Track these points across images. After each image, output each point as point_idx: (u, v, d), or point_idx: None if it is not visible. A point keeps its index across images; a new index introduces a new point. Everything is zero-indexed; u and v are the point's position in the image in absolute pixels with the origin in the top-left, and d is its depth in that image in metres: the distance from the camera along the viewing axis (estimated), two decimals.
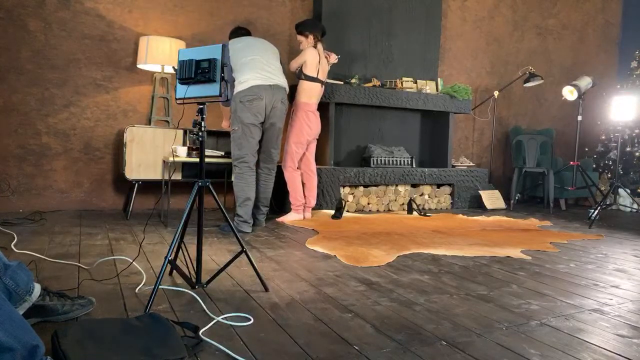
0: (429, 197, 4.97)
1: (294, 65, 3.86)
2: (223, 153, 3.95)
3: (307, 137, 3.82)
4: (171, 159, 3.61)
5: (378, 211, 4.67)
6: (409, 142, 5.28)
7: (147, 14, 4.13)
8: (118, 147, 4.08)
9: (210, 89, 1.93)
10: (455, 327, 1.69)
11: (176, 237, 1.88)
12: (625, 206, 5.53)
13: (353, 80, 4.64)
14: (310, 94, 3.81)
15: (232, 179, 3.47)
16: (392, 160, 4.84)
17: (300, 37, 3.85)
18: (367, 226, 3.71)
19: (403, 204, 4.79)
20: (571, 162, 4.84)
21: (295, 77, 3.96)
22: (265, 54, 3.43)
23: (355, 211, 4.57)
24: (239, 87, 3.31)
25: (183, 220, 1.92)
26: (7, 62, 3.71)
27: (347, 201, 4.52)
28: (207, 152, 3.83)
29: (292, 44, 4.73)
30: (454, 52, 5.71)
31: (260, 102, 3.31)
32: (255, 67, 3.35)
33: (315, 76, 3.79)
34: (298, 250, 2.84)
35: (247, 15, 4.50)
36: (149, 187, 4.14)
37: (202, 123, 1.97)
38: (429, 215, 4.43)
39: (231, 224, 2.01)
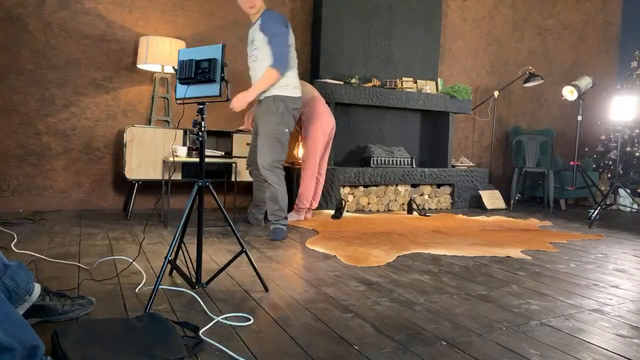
0: (429, 197, 4.97)
1: None
2: (223, 153, 3.95)
3: (322, 133, 3.83)
4: (171, 159, 3.61)
5: (378, 211, 4.67)
6: (409, 142, 5.28)
7: (147, 14, 4.13)
8: (118, 147, 4.08)
9: (210, 89, 1.93)
10: (455, 327, 1.69)
11: (176, 237, 1.88)
12: (625, 206, 5.53)
13: (353, 80, 4.64)
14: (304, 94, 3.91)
15: (270, 183, 3.21)
16: (392, 160, 4.84)
17: None
18: (367, 226, 3.71)
19: (403, 204, 4.78)
20: (571, 162, 4.84)
21: None
22: None
23: (355, 211, 4.57)
24: (291, 92, 3.23)
25: (183, 220, 1.91)
26: (7, 62, 3.71)
27: (347, 201, 4.52)
28: (207, 152, 3.83)
29: None
30: (454, 52, 5.71)
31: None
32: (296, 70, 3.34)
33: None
34: (298, 250, 2.84)
35: (247, 16, 4.49)
36: (149, 187, 4.14)
37: (202, 123, 1.97)
38: (429, 215, 4.43)
39: (231, 224, 2.01)
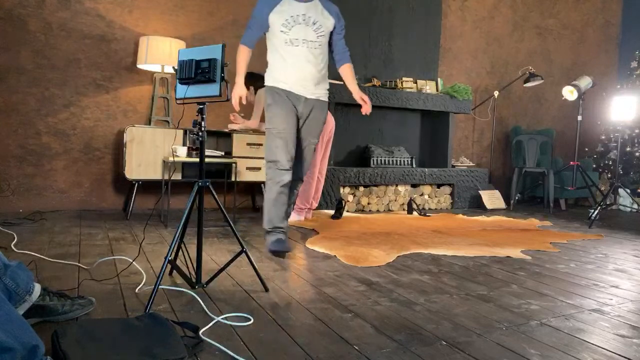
0: (429, 197, 4.97)
1: (259, 113, 3.96)
2: (223, 153, 3.95)
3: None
4: (171, 159, 3.61)
5: (378, 211, 4.67)
6: (409, 142, 5.28)
7: (147, 14, 4.13)
8: (118, 147, 4.08)
9: (210, 89, 1.93)
10: (455, 327, 1.69)
11: (176, 237, 1.88)
12: (625, 206, 5.53)
13: None
14: None
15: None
16: (392, 160, 4.84)
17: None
18: (367, 226, 3.71)
19: (403, 204, 4.78)
20: (571, 162, 4.83)
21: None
22: None
23: (355, 211, 4.57)
24: None
25: (183, 220, 1.91)
26: (7, 62, 3.71)
27: (347, 201, 4.52)
28: (207, 152, 3.83)
29: None
30: (454, 52, 5.71)
31: None
32: None
33: None
34: (298, 250, 2.84)
35: (247, 15, 4.50)
36: (149, 187, 4.14)
37: (202, 123, 1.97)
38: (429, 215, 4.43)
39: (231, 224, 2.01)
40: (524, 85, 5.66)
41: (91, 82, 3.98)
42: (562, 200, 5.51)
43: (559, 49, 6.46)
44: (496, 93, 5.61)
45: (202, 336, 1.49)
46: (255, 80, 4.11)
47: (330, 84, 4.42)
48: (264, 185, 4.22)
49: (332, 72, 4.68)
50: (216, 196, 2.00)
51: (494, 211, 4.97)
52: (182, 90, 1.98)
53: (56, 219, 3.54)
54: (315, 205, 3.98)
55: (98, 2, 3.95)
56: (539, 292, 2.15)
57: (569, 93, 4.68)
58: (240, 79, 2.79)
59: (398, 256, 2.75)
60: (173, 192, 4.28)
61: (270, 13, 2.75)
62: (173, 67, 2.05)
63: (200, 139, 1.98)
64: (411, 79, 5.01)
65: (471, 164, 5.41)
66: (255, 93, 4.05)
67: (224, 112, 4.44)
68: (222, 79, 1.91)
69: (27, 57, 3.77)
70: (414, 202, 4.63)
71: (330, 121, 3.91)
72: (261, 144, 4.13)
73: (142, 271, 2.21)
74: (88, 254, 2.52)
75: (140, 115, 4.17)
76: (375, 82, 4.79)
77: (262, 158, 4.16)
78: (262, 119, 4.18)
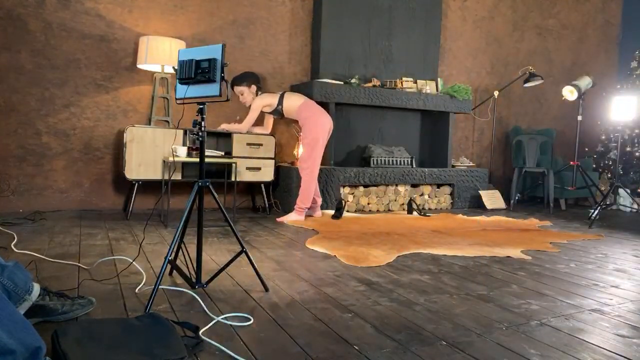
0: (429, 197, 4.97)
1: (252, 120, 3.97)
2: (223, 153, 3.95)
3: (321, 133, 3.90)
4: (171, 159, 3.61)
5: (378, 211, 4.67)
6: (409, 142, 5.28)
7: (147, 14, 4.13)
8: (118, 147, 4.08)
9: (210, 89, 1.93)
10: (455, 327, 1.69)
11: (176, 237, 1.88)
12: (625, 206, 5.52)
13: (353, 80, 4.64)
14: (292, 104, 3.99)
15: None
16: (392, 160, 4.84)
17: (242, 89, 4.04)
18: (367, 226, 3.71)
19: (403, 204, 4.78)
20: (571, 162, 4.84)
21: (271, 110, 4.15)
22: None
23: (355, 211, 4.57)
24: None
25: (183, 220, 1.91)
26: (7, 62, 3.71)
27: (347, 201, 4.52)
28: (207, 152, 3.83)
29: (292, 45, 4.72)
30: (454, 52, 5.71)
31: None
32: None
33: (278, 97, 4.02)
34: (298, 250, 2.84)
35: (247, 15, 4.50)
36: (149, 187, 4.14)
37: (202, 123, 1.97)
38: (428, 215, 4.43)
39: (231, 224, 2.01)
40: (524, 85, 5.66)
41: (91, 82, 3.98)
42: (562, 200, 5.51)
43: (559, 49, 6.46)
44: (496, 93, 5.61)
45: (202, 336, 1.49)
46: (256, 80, 4.11)
47: (330, 84, 4.44)
48: (263, 185, 4.24)
49: (332, 71, 4.70)
50: (216, 196, 2.00)
51: (494, 211, 4.97)
52: (182, 90, 1.98)
53: (56, 219, 3.54)
54: (320, 201, 4.06)
55: (98, 2, 3.95)
56: (539, 292, 2.15)
57: (569, 93, 4.68)
58: None
59: (398, 256, 2.76)
60: (173, 192, 4.28)
61: None
62: (173, 67, 2.05)
63: (200, 139, 1.98)
64: (411, 79, 5.01)
65: (471, 164, 5.40)
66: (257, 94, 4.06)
67: (224, 112, 4.44)
68: (222, 78, 1.91)
69: (27, 57, 3.77)
70: (414, 202, 4.63)
71: (328, 120, 3.93)
72: (261, 144, 4.14)
73: (142, 271, 2.21)
74: (88, 254, 2.52)
75: (140, 115, 4.17)
76: (375, 82, 4.79)
77: (262, 158, 4.17)
78: (255, 124, 4.24)
